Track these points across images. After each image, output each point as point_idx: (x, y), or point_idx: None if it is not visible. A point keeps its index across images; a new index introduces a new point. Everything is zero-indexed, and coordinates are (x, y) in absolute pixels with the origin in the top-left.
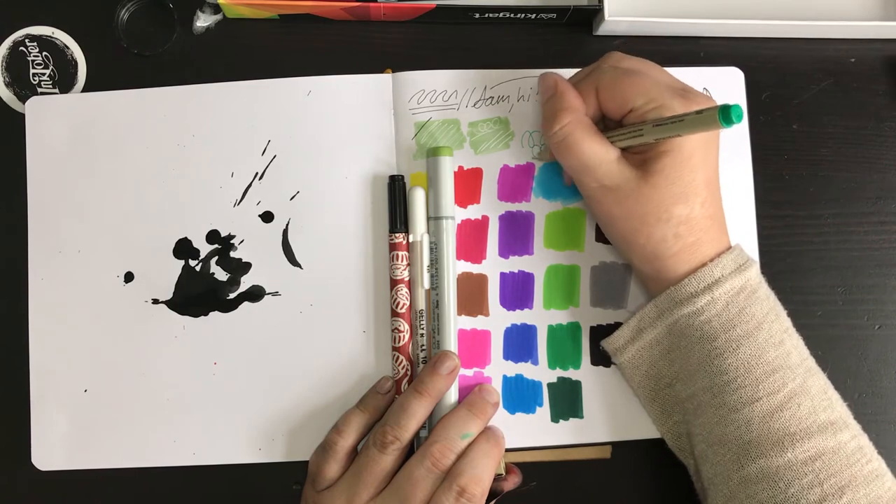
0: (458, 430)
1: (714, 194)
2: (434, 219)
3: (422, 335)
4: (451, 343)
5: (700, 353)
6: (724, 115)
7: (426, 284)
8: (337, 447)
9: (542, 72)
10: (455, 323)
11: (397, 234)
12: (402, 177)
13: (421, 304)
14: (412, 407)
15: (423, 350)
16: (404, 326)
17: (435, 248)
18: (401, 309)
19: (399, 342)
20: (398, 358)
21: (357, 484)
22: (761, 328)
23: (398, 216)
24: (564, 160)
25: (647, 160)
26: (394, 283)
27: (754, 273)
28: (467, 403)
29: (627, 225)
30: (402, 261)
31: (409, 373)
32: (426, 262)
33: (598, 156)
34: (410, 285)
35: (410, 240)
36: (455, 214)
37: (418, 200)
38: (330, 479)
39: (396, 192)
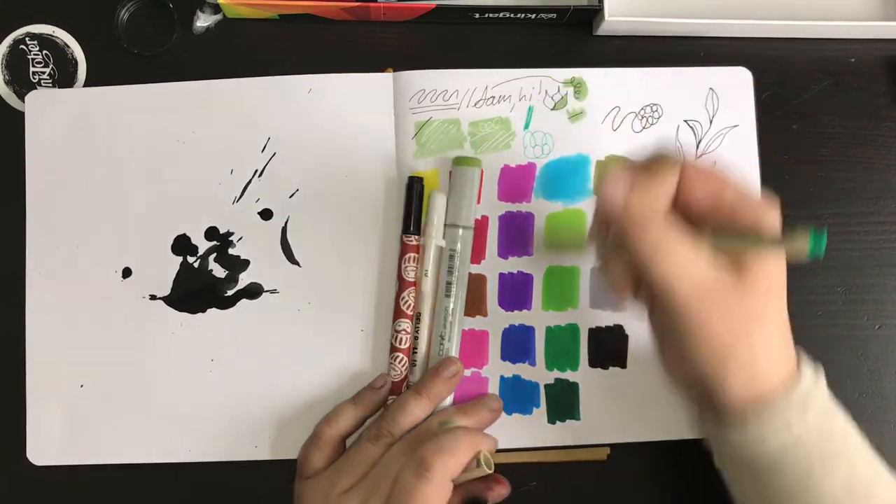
0: (439, 419)
1: (786, 324)
2: (454, 226)
3: (416, 338)
4: (456, 349)
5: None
6: (815, 244)
7: (429, 288)
8: (324, 436)
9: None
10: (460, 330)
11: (411, 237)
12: (422, 179)
13: (420, 307)
14: (409, 406)
15: (414, 352)
16: (410, 328)
17: (454, 256)
18: (409, 310)
19: (403, 343)
20: (400, 359)
21: (340, 472)
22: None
23: (413, 218)
24: (650, 275)
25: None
26: (405, 284)
27: (825, 391)
28: (462, 404)
29: (728, 328)
30: (413, 263)
31: (409, 374)
32: (432, 267)
33: (693, 261)
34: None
35: (423, 243)
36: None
37: (439, 206)
38: (315, 469)
39: (414, 195)
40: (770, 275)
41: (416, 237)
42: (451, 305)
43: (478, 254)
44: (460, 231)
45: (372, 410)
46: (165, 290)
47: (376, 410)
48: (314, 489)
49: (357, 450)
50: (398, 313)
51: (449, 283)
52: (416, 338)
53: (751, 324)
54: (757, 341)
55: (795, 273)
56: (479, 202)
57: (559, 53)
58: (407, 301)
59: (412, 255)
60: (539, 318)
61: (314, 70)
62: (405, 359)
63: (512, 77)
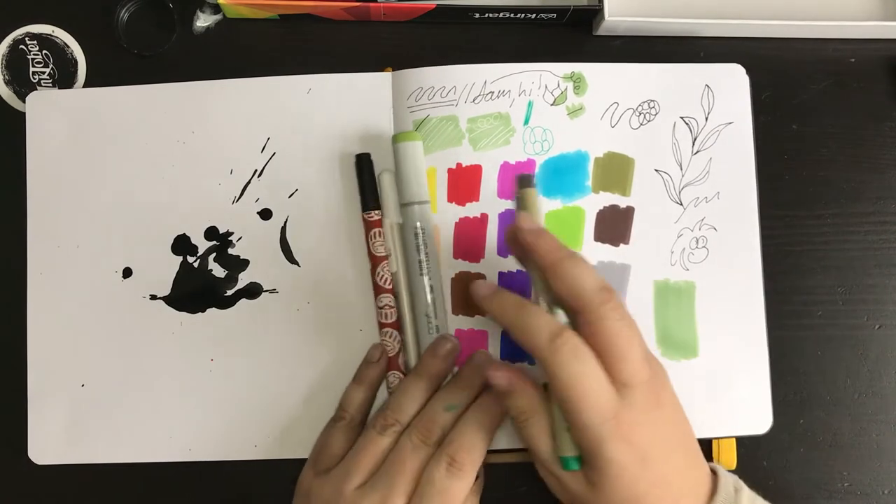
0: (442, 403)
1: (671, 479)
2: (409, 204)
3: (399, 317)
4: (445, 324)
5: None
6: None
7: (397, 268)
8: (343, 422)
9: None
10: (446, 308)
11: (371, 213)
12: (369, 154)
13: (397, 287)
14: (410, 389)
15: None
16: (393, 302)
17: (418, 234)
18: (387, 285)
19: (390, 318)
20: (391, 334)
21: (352, 467)
22: None
23: (368, 194)
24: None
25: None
26: (377, 260)
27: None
28: (455, 376)
29: None
30: (380, 237)
31: (402, 348)
32: (395, 247)
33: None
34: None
35: (387, 223)
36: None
37: (387, 185)
38: (334, 455)
39: (364, 171)
40: (610, 484)
41: (377, 212)
42: (428, 282)
43: (477, 252)
44: (416, 207)
45: (377, 385)
46: (165, 290)
47: (380, 384)
48: (323, 486)
49: (366, 442)
50: (377, 289)
51: (420, 262)
52: (399, 316)
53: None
54: None
55: (795, 273)
56: (466, 194)
57: (559, 53)
58: (382, 276)
59: (376, 230)
60: None
61: (314, 70)
62: (395, 333)
63: (511, 72)
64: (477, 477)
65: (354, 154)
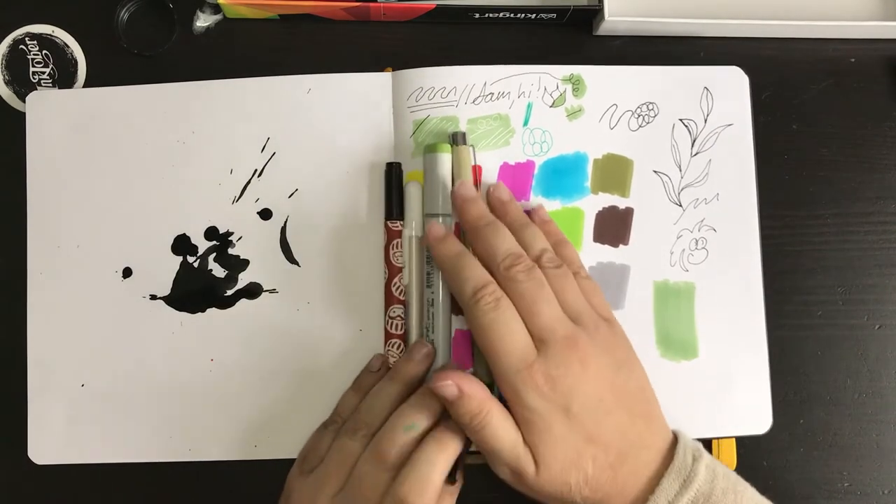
0: (402, 422)
1: (608, 437)
2: (432, 216)
3: (406, 330)
4: (444, 340)
5: None
6: None
7: (410, 279)
8: (335, 426)
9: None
10: (447, 319)
11: (396, 222)
12: (400, 164)
13: (408, 298)
14: (382, 394)
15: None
16: (404, 313)
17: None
18: (402, 296)
19: (398, 329)
20: (397, 345)
21: (327, 473)
22: None
23: (395, 204)
24: (479, 445)
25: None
26: (394, 270)
27: (702, 475)
28: (417, 392)
29: None
30: (401, 248)
31: None
32: (411, 258)
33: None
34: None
35: (407, 234)
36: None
37: (414, 197)
38: (319, 457)
39: (393, 180)
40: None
41: (402, 222)
42: (432, 296)
43: None
44: (440, 220)
45: None
46: (165, 290)
47: None
48: (303, 490)
49: (339, 447)
50: (391, 299)
51: (429, 274)
52: (406, 328)
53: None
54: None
55: (795, 273)
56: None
57: (559, 53)
58: (399, 287)
59: (398, 240)
60: None
61: (314, 70)
62: (402, 344)
63: (510, 73)
64: (454, 481)
65: (358, 152)
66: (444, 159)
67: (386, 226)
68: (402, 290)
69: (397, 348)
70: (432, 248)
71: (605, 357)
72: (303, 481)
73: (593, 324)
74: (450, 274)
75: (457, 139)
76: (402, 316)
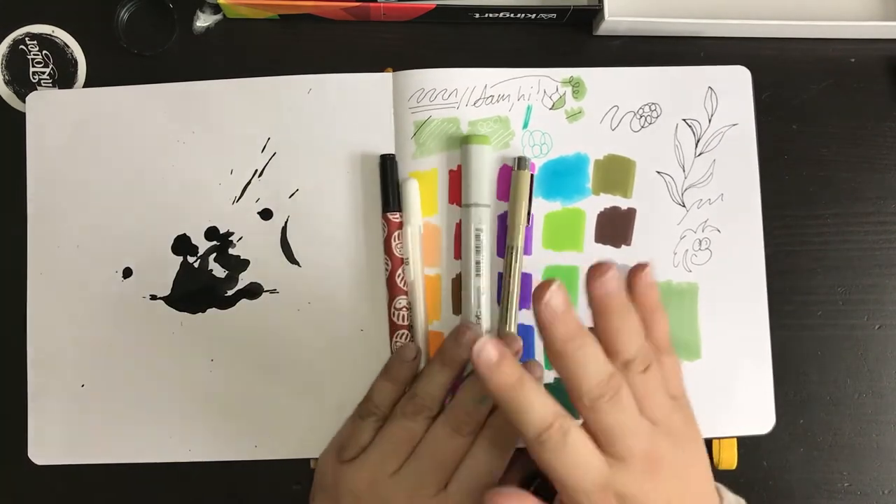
0: (471, 395)
1: None
2: (474, 206)
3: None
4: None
5: None
6: None
7: (414, 276)
8: (373, 417)
9: None
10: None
11: (395, 213)
12: (394, 156)
13: (411, 296)
14: (436, 377)
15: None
16: (409, 304)
17: (479, 235)
18: (406, 287)
19: (404, 320)
20: (405, 335)
21: (385, 452)
22: None
23: (392, 195)
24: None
25: None
26: (397, 261)
27: None
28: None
29: None
30: (400, 240)
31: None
32: (414, 254)
33: None
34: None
35: (410, 232)
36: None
37: (412, 192)
38: (360, 446)
39: (388, 172)
40: None
41: (401, 213)
42: (480, 283)
43: None
44: (478, 209)
45: (408, 384)
46: (165, 291)
47: (410, 383)
48: (358, 472)
49: (397, 428)
50: (396, 290)
51: (478, 263)
52: (413, 319)
53: None
54: None
55: (795, 273)
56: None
57: (559, 53)
58: (402, 277)
59: (398, 232)
60: None
61: (314, 70)
62: (408, 334)
63: (510, 76)
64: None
65: (359, 152)
66: (482, 151)
67: (385, 217)
68: (406, 282)
69: (404, 339)
70: (484, 377)
71: (680, 457)
72: (350, 467)
73: (665, 426)
74: (506, 409)
75: (521, 164)
76: (408, 306)
